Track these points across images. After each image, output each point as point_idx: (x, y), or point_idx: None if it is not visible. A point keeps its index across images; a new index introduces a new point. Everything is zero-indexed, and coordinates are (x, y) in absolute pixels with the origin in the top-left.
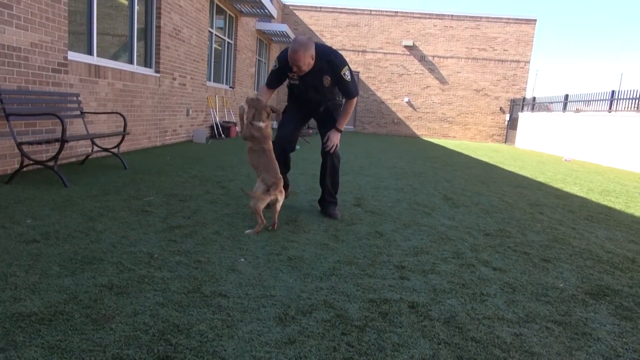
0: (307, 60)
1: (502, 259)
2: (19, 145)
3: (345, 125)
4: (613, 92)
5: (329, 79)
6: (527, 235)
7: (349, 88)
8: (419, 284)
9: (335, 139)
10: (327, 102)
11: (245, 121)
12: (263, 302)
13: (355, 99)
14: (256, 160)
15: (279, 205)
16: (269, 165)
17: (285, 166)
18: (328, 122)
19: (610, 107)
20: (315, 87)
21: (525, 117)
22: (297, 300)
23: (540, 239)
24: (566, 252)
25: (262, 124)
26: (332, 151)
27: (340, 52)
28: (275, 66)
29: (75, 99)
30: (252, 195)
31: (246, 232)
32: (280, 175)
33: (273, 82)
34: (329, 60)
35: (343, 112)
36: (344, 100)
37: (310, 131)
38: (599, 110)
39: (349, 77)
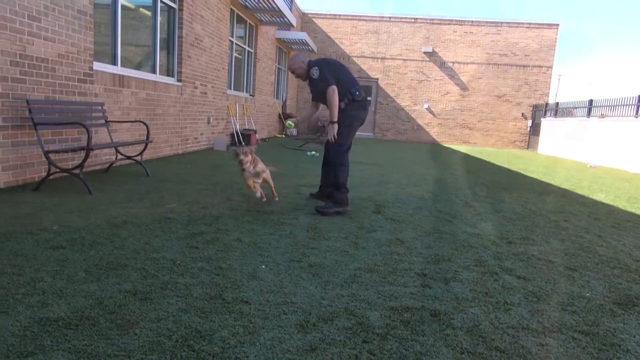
0: (295, 66)
1: (525, 267)
2: (47, 153)
3: (335, 115)
4: None
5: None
6: (552, 243)
7: (318, 83)
8: (440, 292)
9: (328, 129)
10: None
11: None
12: (284, 308)
13: (329, 89)
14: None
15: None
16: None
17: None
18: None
19: (637, 112)
20: (311, 90)
21: (547, 123)
22: (318, 307)
23: (565, 247)
24: (592, 261)
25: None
26: (330, 142)
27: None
28: None
29: (100, 108)
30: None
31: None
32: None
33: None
34: (309, 68)
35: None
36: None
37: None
38: (625, 116)
39: (316, 74)
